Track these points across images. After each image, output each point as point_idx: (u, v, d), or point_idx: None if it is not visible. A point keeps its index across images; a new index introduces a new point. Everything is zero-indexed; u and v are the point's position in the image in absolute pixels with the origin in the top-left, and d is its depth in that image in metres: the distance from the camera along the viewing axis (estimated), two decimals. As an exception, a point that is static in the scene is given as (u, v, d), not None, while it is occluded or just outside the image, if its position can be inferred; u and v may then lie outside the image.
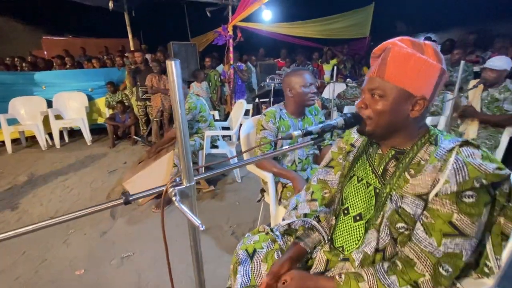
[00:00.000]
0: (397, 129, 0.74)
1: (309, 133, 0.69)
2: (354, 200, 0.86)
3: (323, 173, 1.00)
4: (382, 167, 0.80)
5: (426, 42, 0.70)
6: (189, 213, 0.50)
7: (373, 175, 0.82)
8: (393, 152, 0.78)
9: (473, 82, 2.42)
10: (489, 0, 4.98)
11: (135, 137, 4.41)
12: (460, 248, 0.63)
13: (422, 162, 0.71)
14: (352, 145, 0.94)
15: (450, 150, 0.66)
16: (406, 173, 0.73)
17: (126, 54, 5.62)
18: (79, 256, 1.89)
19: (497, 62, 2.24)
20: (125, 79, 4.94)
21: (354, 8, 5.37)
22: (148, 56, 5.35)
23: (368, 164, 0.85)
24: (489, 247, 0.71)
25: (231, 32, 4.07)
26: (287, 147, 0.73)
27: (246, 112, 3.73)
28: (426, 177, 0.67)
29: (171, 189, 0.54)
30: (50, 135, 4.67)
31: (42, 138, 4.45)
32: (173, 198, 0.52)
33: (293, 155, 1.60)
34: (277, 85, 3.74)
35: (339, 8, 5.24)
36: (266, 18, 3.76)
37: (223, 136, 3.51)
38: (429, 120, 2.81)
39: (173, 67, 0.47)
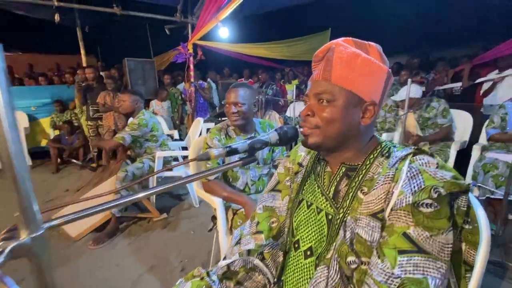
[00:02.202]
0: (347, 140, 0.65)
1: (234, 151, 0.55)
2: (305, 230, 0.72)
3: (269, 199, 0.85)
4: (333, 188, 0.68)
5: (371, 43, 0.63)
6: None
7: (323, 198, 0.70)
8: (343, 169, 0.68)
9: (400, 111, 2.74)
10: (429, 31, 5.69)
11: (73, 160, 3.94)
12: (422, 271, 0.49)
13: (375, 177, 0.61)
14: (300, 164, 0.81)
15: (403, 159, 0.58)
16: (359, 192, 0.62)
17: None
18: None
19: (401, 92, 2.56)
20: (75, 97, 4.54)
21: (312, 32, 5.65)
22: (103, 74, 5.02)
23: (316, 185, 0.73)
24: (452, 280, 0.60)
25: (191, 50, 3.97)
26: (232, 163, 0.57)
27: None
28: (378, 191, 0.57)
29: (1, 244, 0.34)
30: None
31: (-36, 165, 3.78)
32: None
33: (245, 176, 1.45)
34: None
35: (298, 32, 5.48)
36: (223, 36, 3.75)
37: (185, 157, 3.26)
38: (384, 137, 2.89)
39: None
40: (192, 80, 4.17)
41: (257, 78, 5.36)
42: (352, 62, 0.59)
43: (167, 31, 4.29)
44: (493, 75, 3.31)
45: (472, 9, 5.02)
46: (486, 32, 4.59)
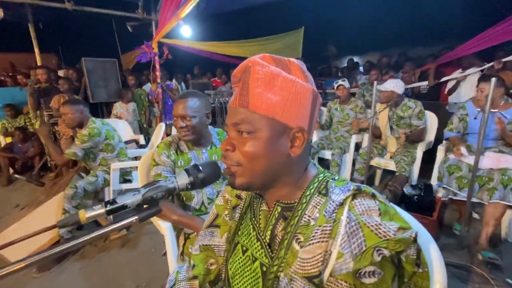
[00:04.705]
0: (278, 175, 0.54)
1: (119, 209, 0.41)
2: (240, 282, 0.61)
3: (206, 236, 0.73)
4: (268, 232, 0.58)
5: (291, 59, 0.53)
6: None
7: (259, 244, 0.59)
8: (279, 209, 0.57)
9: (378, 106, 2.64)
10: (402, 29, 5.81)
11: (16, 175, 3.58)
12: None
13: (311, 223, 0.51)
14: (238, 197, 0.69)
15: (341, 204, 0.49)
16: (294, 242, 0.52)
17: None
18: None
19: (387, 84, 2.51)
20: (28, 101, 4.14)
21: (285, 31, 5.56)
22: (61, 73, 4.63)
23: (252, 226, 0.61)
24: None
25: (156, 49, 3.71)
26: (126, 218, 0.44)
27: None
28: (315, 249, 0.48)
29: None
30: None
31: None
32: None
33: (200, 194, 1.31)
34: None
35: (272, 31, 5.37)
36: (186, 35, 3.55)
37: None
38: (354, 138, 2.85)
39: None
40: (158, 80, 3.93)
41: (226, 78, 5.20)
42: (271, 83, 0.49)
43: (129, 28, 3.99)
44: (457, 74, 3.41)
45: (436, 9, 5.17)
46: (450, 32, 4.75)
